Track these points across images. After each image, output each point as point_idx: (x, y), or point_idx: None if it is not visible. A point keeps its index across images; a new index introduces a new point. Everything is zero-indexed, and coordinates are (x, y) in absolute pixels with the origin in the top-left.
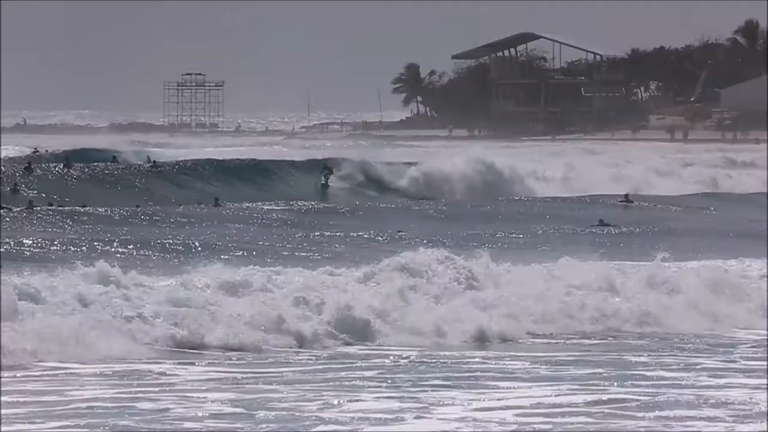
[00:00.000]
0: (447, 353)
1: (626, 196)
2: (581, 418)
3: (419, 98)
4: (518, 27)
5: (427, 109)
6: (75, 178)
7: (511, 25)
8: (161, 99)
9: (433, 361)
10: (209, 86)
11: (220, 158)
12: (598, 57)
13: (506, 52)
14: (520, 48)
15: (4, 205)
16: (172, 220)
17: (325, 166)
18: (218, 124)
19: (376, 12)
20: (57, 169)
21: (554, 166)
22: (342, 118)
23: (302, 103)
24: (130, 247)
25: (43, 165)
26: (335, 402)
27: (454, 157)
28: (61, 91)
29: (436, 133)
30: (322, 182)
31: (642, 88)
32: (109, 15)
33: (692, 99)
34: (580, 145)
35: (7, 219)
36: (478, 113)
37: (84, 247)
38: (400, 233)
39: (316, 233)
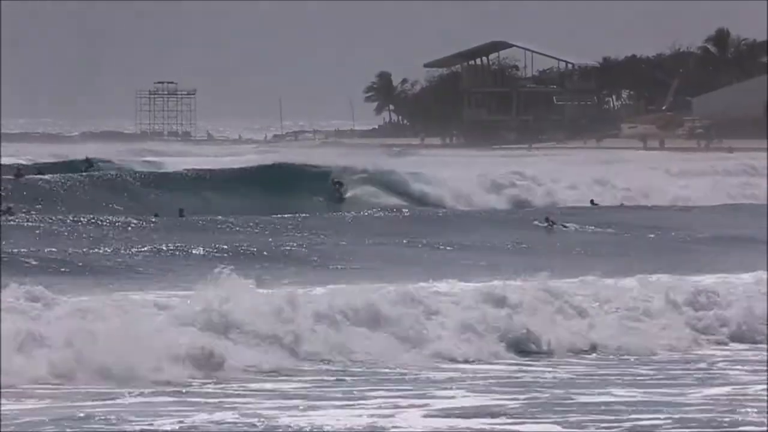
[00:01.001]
0: None
1: (591, 201)
2: None
3: (391, 107)
4: (490, 35)
5: (399, 117)
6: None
7: (483, 33)
8: (132, 107)
9: None
10: (181, 94)
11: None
12: (569, 65)
13: (478, 61)
14: (491, 56)
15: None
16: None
17: (333, 180)
18: (190, 132)
19: (348, 20)
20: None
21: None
22: (308, 125)
23: (272, 111)
24: None
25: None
26: None
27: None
28: (25, 98)
29: (409, 141)
30: (337, 195)
31: (614, 97)
32: (78, 21)
33: (664, 107)
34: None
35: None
36: (450, 121)
37: None
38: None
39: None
